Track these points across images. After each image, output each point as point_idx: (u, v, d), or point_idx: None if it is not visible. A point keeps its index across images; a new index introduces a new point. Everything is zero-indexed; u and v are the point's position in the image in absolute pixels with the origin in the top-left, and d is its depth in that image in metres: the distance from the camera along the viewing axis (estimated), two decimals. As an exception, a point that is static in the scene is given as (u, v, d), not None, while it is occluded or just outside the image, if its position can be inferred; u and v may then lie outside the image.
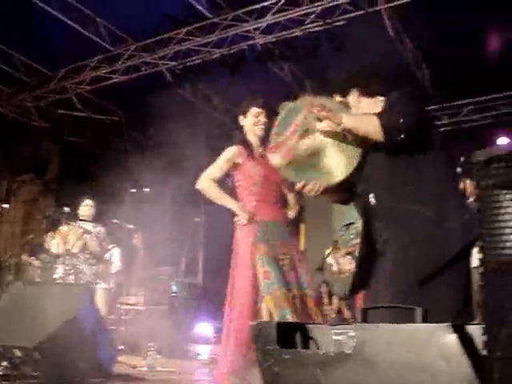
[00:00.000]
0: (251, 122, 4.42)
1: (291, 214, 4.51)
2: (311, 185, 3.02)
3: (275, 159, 3.21)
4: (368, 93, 3.18)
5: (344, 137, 3.01)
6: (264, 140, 4.37)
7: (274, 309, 3.99)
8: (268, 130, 4.18)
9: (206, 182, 4.39)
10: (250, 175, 4.34)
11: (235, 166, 4.38)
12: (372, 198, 3.04)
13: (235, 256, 4.32)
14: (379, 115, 2.87)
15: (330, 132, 3.01)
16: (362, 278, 3.11)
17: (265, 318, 4.02)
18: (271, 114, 4.31)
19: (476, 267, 2.16)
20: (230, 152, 4.39)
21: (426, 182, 2.93)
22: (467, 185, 5.25)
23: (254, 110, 4.41)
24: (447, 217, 2.85)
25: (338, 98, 3.26)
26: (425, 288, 2.78)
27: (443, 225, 2.84)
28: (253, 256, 4.15)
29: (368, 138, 2.91)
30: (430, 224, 2.85)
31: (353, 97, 3.19)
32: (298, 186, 3.06)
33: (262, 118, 4.40)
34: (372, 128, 2.86)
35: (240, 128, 4.51)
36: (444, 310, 2.71)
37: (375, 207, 3.03)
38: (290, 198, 4.54)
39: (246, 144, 4.42)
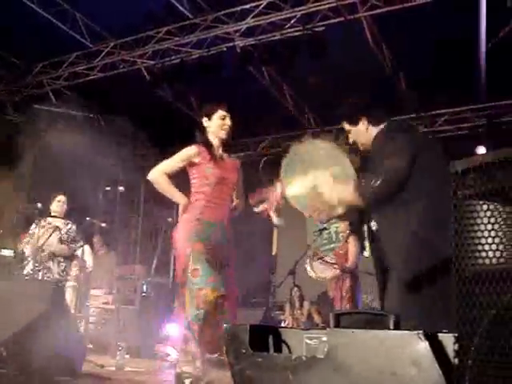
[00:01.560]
0: (216, 124, 4.51)
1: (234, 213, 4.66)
2: (315, 215, 3.59)
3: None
4: (374, 120, 3.50)
5: (339, 174, 3.48)
6: (225, 142, 4.59)
7: (189, 306, 4.12)
8: (231, 133, 4.58)
9: (157, 175, 4.49)
10: (205, 176, 4.42)
11: (192, 164, 4.46)
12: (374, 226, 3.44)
13: (175, 248, 4.45)
14: (357, 189, 3.32)
15: None
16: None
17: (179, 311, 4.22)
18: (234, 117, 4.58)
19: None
20: (188, 151, 4.47)
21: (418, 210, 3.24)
22: None
23: (220, 113, 4.51)
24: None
25: (347, 126, 3.58)
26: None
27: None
28: (186, 251, 4.24)
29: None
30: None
31: (362, 125, 3.51)
32: (306, 215, 3.67)
33: (228, 122, 4.51)
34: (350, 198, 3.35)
35: (202, 129, 4.58)
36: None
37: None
38: (237, 202, 4.68)
39: (207, 145, 4.50)
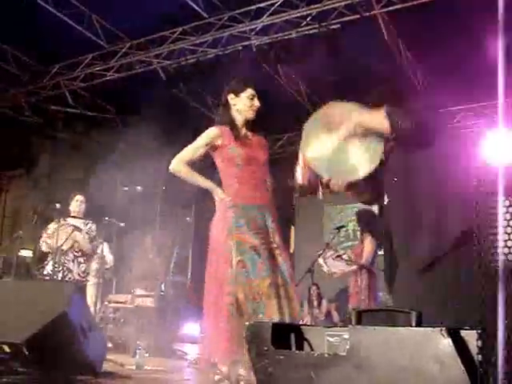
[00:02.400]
0: (244, 103, 4.22)
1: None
2: (335, 180, 3.33)
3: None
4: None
5: (365, 135, 3.31)
6: (251, 122, 4.28)
7: (245, 301, 3.83)
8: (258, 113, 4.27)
9: (178, 165, 4.20)
10: (231, 157, 4.13)
11: (215, 147, 4.17)
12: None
13: (211, 240, 4.14)
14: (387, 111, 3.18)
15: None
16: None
17: (228, 310, 3.85)
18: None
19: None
20: (210, 133, 4.19)
21: None
22: None
23: (250, 92, 4.22)
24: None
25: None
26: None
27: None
28: (227, 243, 3.96)
29: (377, 130, 3.25)
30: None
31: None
32: (325, 179, 3.36)
33: (257, 102, 4.23)
34: (379, 120, 3.21)
35: (225, 106, 4.29)
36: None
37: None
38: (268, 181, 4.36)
39: (231, 124, 4.22)
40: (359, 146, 3.32)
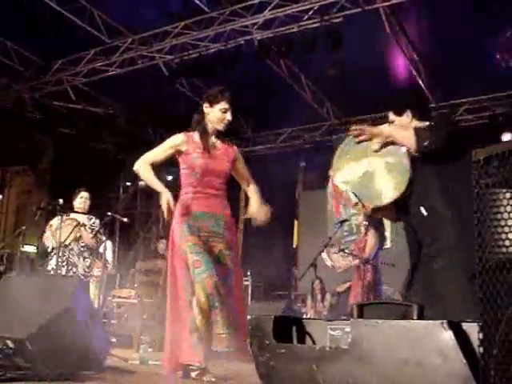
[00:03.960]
0: (216, 115, 4.30)
1: (253, 211, 4.44)
2: (362, 203, 3.57)
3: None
4: (418, 115, 3.57)
5: (393, 164, 3.50)
6: (221, 133, 4.38)
7: (204, 298, 3.97)
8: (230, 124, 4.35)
9: (140, 164, 4.37)
10: (192, 165, 4.26)
11: (179, 152, 4.31)
12: (423, 210, 3.41)
13: (172, 243, 4.30)
14: (415, 130, 3.35)
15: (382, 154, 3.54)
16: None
17: (195, 309, 4.02)
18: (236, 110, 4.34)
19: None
20: (176, 139, 4.32)
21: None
22: None
23: (223, 105, 4.29)
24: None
25: (392, 116, 3.63)
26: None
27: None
28: (185, 244, 4.13)
29: (404, 144, 3.42)
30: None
31: (406, 117, 3.57)
32: (353, 202, 3.59)
33: (229, 116, 4.30)
34: (407, 139, 3.36)
35: (200, 113, 4.37)
36: None
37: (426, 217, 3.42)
38: (249, 191, 4.52)
39: (201, 132, 4.32)
40: (386, 174, 3.50)
